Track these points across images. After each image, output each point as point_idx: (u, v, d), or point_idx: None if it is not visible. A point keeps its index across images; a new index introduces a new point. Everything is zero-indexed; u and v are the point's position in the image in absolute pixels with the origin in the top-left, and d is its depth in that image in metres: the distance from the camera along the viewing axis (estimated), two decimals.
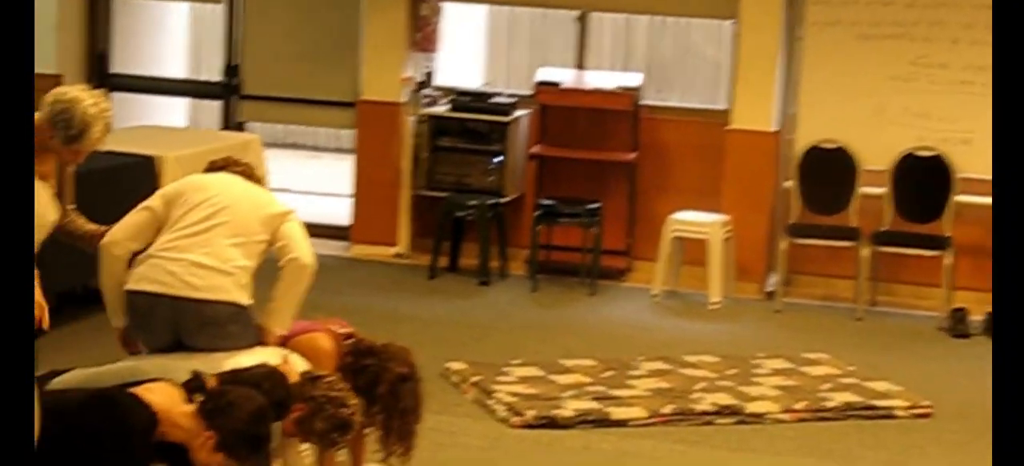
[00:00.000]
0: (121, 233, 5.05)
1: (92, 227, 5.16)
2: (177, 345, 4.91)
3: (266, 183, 5.55)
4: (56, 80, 8.34)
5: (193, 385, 4.27)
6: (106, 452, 4.04)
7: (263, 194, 5.26)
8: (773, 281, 9.40)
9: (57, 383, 4.59)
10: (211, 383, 4.38)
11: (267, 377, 4.53)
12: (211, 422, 4.19)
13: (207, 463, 4.42)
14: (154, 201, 5.14)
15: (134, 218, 5.10)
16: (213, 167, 5.42)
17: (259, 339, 4.97)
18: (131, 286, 4.98)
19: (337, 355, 5.16)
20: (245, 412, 4.24)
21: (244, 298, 4.97)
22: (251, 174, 5.35)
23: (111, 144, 7.86)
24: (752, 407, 6.85)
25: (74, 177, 5.17)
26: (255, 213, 5.07)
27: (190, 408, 4.30)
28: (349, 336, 5.25)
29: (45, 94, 4.79)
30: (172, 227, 5.02)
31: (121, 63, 10.69)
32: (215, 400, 4.22)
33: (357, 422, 4.78)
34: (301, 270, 5.02)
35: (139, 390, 4.30)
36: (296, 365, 4.87)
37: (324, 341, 5.18)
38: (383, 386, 5.13)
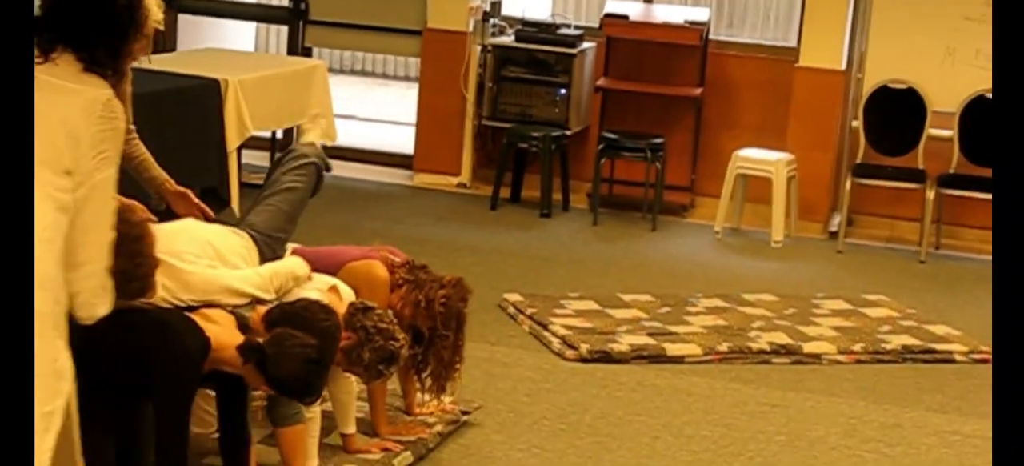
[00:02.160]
0: None
1: (158, 173, 4.86)
2: None
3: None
4: None
5: (246, 351, 4.23)
6: (156, 374, 4.07)
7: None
8: (836, 221, 9.33)
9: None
10: (264, 339, 4.32)
11: (319, 312, 4.48)
12: (262, 372, 4.20)
13: (260, 390, 4.46)
14: None
15: None
16: None
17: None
18: None
19: (392, 283, 5.19)
20: (296, 365, 4.22)
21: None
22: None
23: (176, 66, 7.95)
24: (809, 347, 6.82)
25: (133, 98, 5.09)
26: None
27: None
28: (404, 264, 5.27)
29: None
30: None
31: None
32: (266, 352, 4.21)
33: (404, 355, 4.78)
34: None
35: (197, 315, 4.32)
36: (345, 295, 4.88)
37: (379, 269, 5.19)
38: (439, 298, 5.15)
